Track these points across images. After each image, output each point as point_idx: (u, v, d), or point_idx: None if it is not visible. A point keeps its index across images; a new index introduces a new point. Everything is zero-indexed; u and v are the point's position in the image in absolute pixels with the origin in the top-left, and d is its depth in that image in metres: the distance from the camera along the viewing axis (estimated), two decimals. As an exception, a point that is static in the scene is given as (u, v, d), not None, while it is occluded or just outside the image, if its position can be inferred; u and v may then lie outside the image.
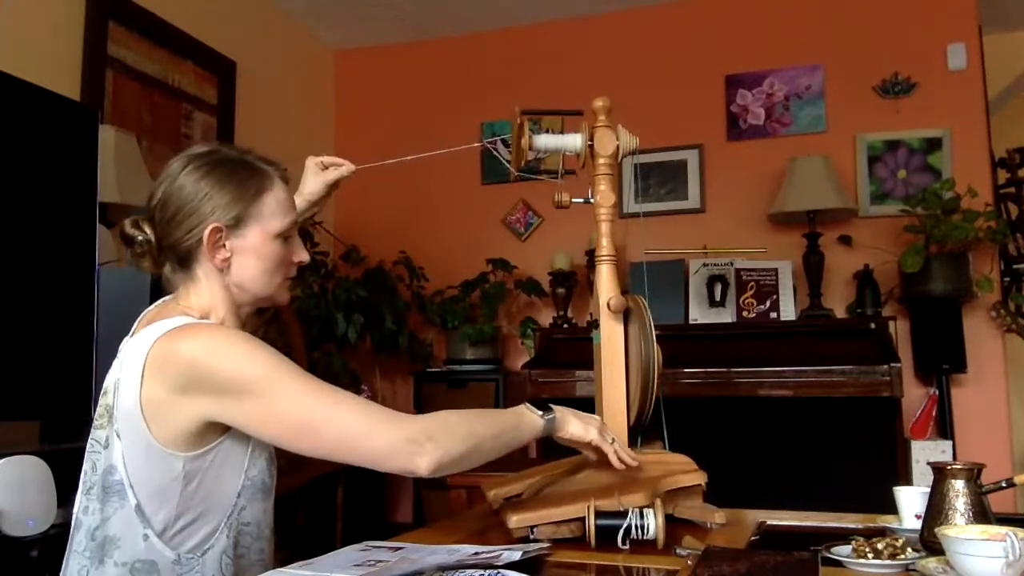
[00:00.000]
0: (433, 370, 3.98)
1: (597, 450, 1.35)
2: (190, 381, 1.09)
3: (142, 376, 1.10)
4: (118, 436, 1.12)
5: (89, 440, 1.17)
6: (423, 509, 3.83)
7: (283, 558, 1.19)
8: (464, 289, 3.93)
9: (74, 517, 1.17)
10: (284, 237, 1.25)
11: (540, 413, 1.29)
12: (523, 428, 1.27)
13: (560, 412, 1.31)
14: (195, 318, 1.19)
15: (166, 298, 1.26)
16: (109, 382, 1.17)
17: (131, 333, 1.22)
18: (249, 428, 1.12)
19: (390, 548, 1.19)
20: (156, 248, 1.22)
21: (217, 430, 1.14)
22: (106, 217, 2.45)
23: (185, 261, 1.21)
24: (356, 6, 4.07)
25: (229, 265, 1.21)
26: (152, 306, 1.26)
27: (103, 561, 1.11)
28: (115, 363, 1.18)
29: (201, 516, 1.14)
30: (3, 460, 1.53)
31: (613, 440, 1.35)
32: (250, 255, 1.22)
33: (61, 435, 1.99)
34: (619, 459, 1.34)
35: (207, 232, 1.18)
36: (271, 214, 1.22)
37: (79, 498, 1.17)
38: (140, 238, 1.21)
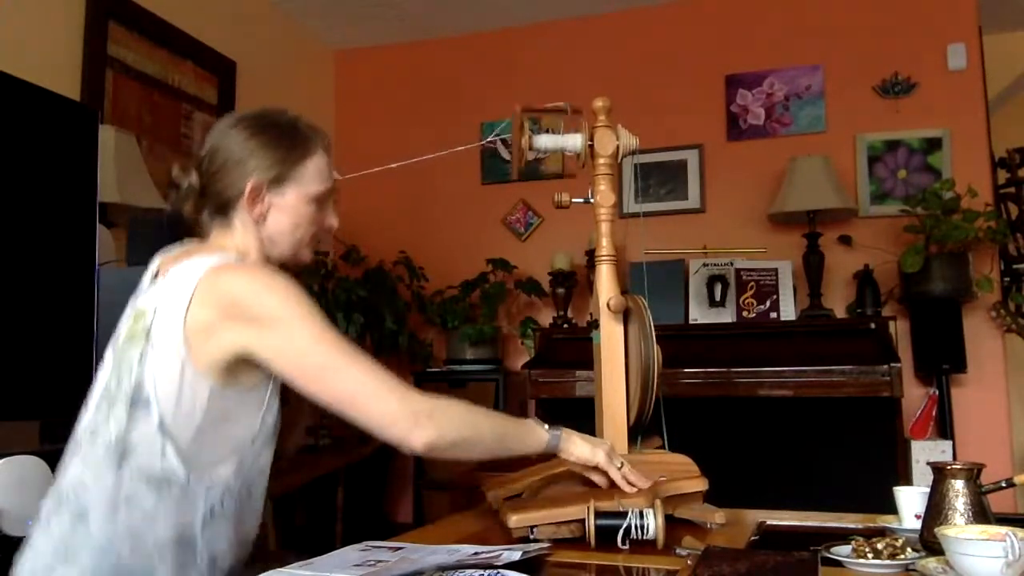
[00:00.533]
0: (433, 370, 3.98)
1: (605, 474, 1.36)
2: (228, 311, 1.15)
3: (190, 302, 1.16)
4: (154, 354, 1.16)
5: (114, 357, 1.21)
6: (423, 509, 3.82)
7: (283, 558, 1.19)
8: (464, 289, 3.93)
9: (83, 429, 1.21)
10: (318, 201, 1.33)
11: (546, 427, 1.33)
12: (527, 437, 1.31)
13: (567, 432, 1.35)
14: (233, 257, 1.25)
15: (187, 242, 1.32)
16: (147, 306, 1.20)
17: (154, 271, 1.27)
18: (266, 357, 1.16)
19: (390, 548, 1.19)
20: (199, 194, 1.30)
21: (246, 373, 1.19)
22: (106, 217, 2.45)
23: (224, 209, 1.30)
24: (356, 6, 4.07)
25: (265, 219, 1.30)
26: (173, 247, 1.31)
27: (121, 467, 1.15)
28: (151, 291, 1.22)
29: (218, 450, 1.19)
30: (3, 460, 1.53)
31: (622, 464, 1.36)
32: (285, 212, 1.31)
33: (61, 435, 1.99)
34: (628, 482, 1.35)
35: (249, 186, 1.27)
36: (310, 179, 1.32)
37: (96, 408, 1.20)
38: (186, 183, 1.30)
